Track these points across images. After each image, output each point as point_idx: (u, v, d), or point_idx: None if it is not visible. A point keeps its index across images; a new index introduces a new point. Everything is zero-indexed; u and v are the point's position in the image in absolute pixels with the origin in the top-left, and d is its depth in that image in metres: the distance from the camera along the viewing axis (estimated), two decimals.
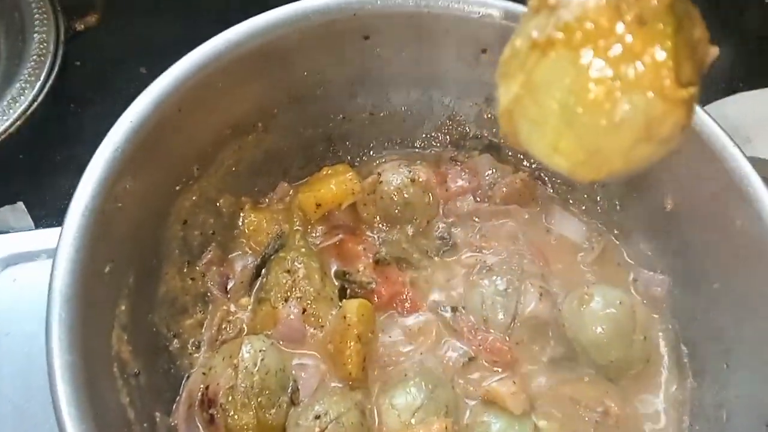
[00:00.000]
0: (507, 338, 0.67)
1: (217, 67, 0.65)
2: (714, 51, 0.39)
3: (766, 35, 1.09)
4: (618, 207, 0.74)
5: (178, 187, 0.67)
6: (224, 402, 0.62)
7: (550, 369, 0.67)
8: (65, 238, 0.56)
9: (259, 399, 0.62)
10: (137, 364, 0.61)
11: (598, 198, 0.75)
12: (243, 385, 0.62)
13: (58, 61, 0.93)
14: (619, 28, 0.33)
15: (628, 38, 0.33)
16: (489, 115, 0.77)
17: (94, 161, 0.59)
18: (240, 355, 0.63)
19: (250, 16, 0.69)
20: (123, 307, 0.61)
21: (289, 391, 0.64)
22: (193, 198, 0.69)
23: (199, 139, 0.68)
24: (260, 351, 0.64)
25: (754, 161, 0.65)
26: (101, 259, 0.58)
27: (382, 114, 0.77)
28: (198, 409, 0.63)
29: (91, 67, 1.02)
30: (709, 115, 0.66)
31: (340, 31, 0.70)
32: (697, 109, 0.65)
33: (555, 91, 0.35)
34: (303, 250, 0.72)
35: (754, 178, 0.63)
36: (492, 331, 0.67)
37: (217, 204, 0.72)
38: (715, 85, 1.00)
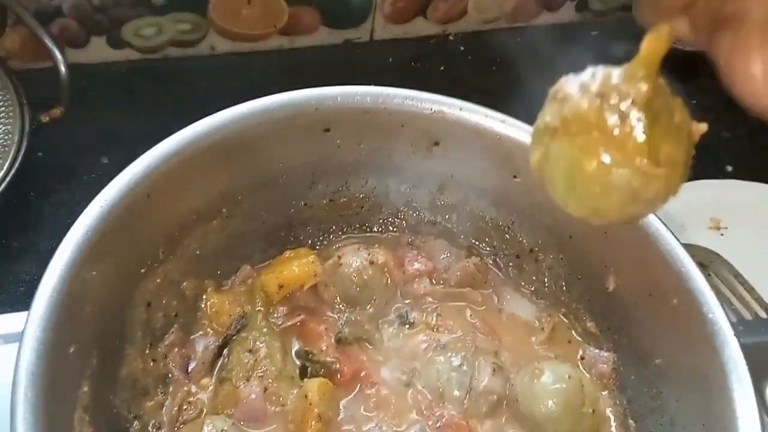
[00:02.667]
0: (462, 414, 0.69)
1: (185, 155, 0.69)
2: (701, 128, 0.49)
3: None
4: (564, 288, 0.79)
5: (143, 270, 0.69)
6: None
7: None
8: (33, 318, 0.57)
9: None
10: None
11: (546, 280, 0.79)
12: None
13: (22, 152, 0.95)
14: (605, 121, 0.44)
15: (612, 130, 0.44)
16: (442, 203, 0.81)
17: (65, 243, 0.61)
18: None
19: (207, 112, 0.73)
20: (85, 389, 0.61)
21: None
22: (158, 281, 0.71)
23: (166, 224, 0.70)
24: (222, 431, 0.65)
25: (688, 247, 0.70)
26: (67, 340, 0.59)
27: (341, 200, 0.81)
28: None
29: (54, 157, 1.04)
30: None
31: (302, 124, 0.74)
32: None
33: (561, 164, 0.47)
34: (264, 330, 0.74)
35: (686, 260, 0.68)
36: (448, 406, 0.69)
37: (181, 287, 0.73)
38: None
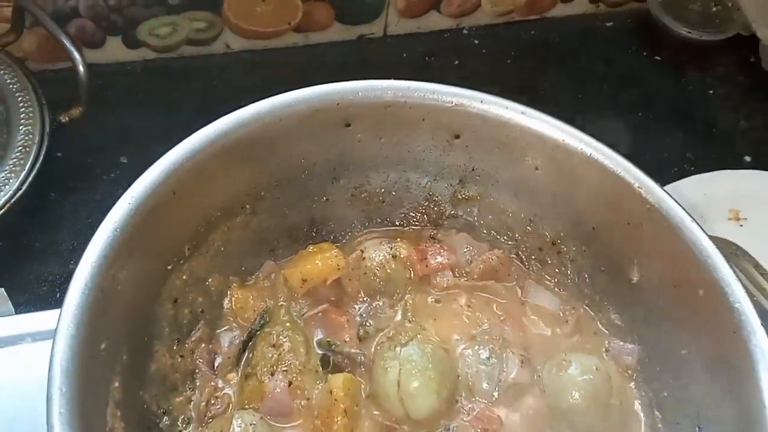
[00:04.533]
0: (491, 406, 0.69)
1: (210, 152, 0.69)
2: None
3: (711, 124, 1.18)
4: (587, 280, 0.78)
5: (170, 267, 0.70)
6: None
7: None
8: (65, 315, 0.57)
9: None
10: None
11: (569, 272, 0.79)
12: None
13: (43, 152, 0.96)
14: None
15: None
16: (463, 196, 0.81)
17: (94, 241, 0.61)
18: (231, 429, 0.65)
19: (224, 110, 0.73)
20: (116, 384, 0.62)
21: None
22: (184, 277, 0.71)
23: (191, 221, 0.71)
24: (251, 425, 0.65)
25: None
26: (98, 336, 0.60)
27: (363, 195, 0.81)
28: None
29: (73, 157, 1.05)
30: (667, 192, 0.72)
31: (324, 119, 0.74)
32: (656, 187, 0.71)
33: None
34: (288, 324, 0.74)
35: (712, 251, 0.67)
36: (477, 399, 0.69)
37: (206, 283, 0.74)
38: (668, 170, 1.07)
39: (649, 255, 0.73)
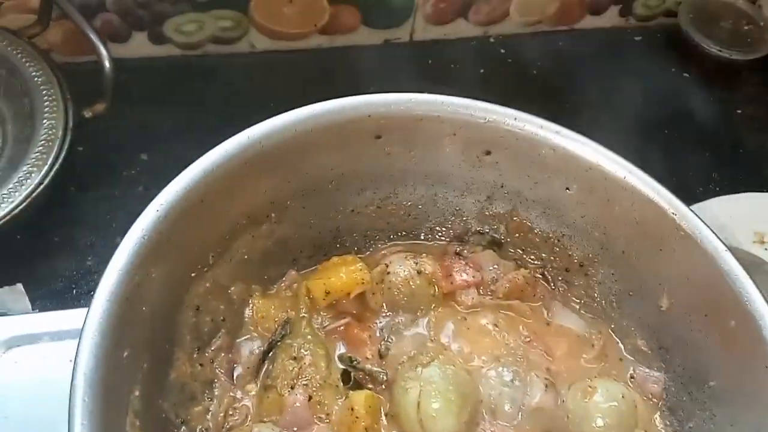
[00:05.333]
0: (513, 430, 0.68)
1: (239, 161, 0.68)
2: None
3: (738, 144, 1.16)
4: (615, 305, 0.77)
5: (193, 274, 0.69)
6: None
7: None
8: (90, 322, 0.56)
9: None
10: None
11: (596, 295, 0.78)
12: None
13: (66, 147, 0.95)
14: None
15: None
16: (490, 212, 0.80)
17: (122, 248, 0.60)
18: None
19: (246, 110, 0.73)
20: (137, 393, 0.61)
21: None
22: (207, 285, 0.70)
23: (216, 229, 0.70)
24: None
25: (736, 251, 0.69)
26: (122, 344, 0.59)
27: (389, 208, 0.80)
28: None
29: (94, 152, 1.04)
30: (699, 218, 0.70)
31: (354, 130, 0.73)
32: (690, 213, 0.70)
33: None
34: (309, 336, 0.73)
35: (746, 281, 0.66)
36: (499, 422, 0.68)
37: (229, 291, 0.73)
38: (693, 189, 1.06)
39: (679, 282, 0.71)
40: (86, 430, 0.52)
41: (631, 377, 0.74)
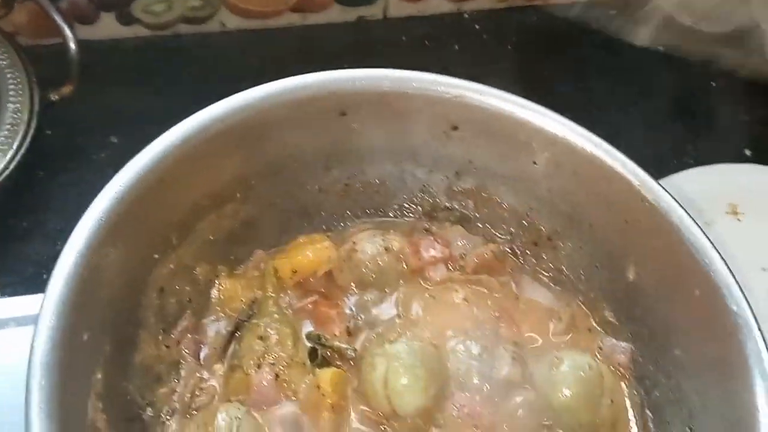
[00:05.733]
0: (482, 402, 0.68)
1: (200, 140, 0.67)
2: None
3: (711, 117, 1.16)
4: (583, 277, 0.77)
5: (156, 256, 0.68)
6: None
7: None
8: (47, 306, 0.56)
9: None
10: None
11: (564, 268, 0.78)
12: None
13: (32, 131, 0.94)
14: None
15: None
16: (459, 188, 0.80)
17: (78, 230, 0.60)
18: (215, 423, 0.63)
19: (218, 90, 0.71)
20: (99, 376, 0.61)
21: None
22: (171, 266, 0.70)
23: (178, 209, 0.69)
24: (236, 418, 0.64)
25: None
26: (81, 327, 0.58)
27: (356, 185, 0.79)
28: None
29: (62, 135, 1.03)
30: (665, 190, 0.70)
31: (318, 107, 0.73)
32: (656, 185, 0.70)
33: None
34: (276, 316, 0.73)
35: (711, 251, 0.66)
36: (467, 395, 0.68)
37: (194, 272, 0.72)
38: (667, 162, 1.06)
39: (646, 253, 0.71)
40: (44, 414, 0.52)
41: (599, 348, 0.74)
